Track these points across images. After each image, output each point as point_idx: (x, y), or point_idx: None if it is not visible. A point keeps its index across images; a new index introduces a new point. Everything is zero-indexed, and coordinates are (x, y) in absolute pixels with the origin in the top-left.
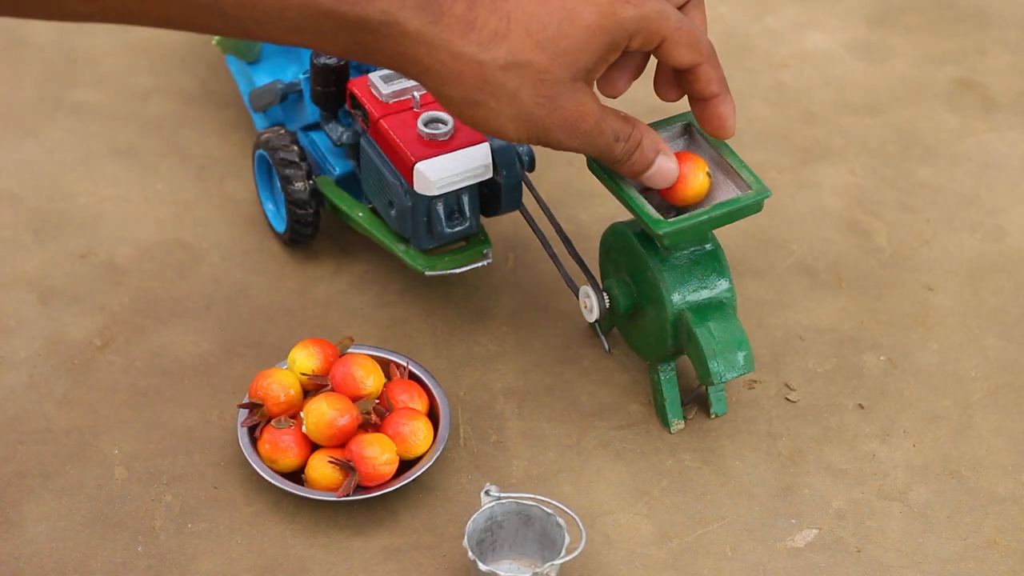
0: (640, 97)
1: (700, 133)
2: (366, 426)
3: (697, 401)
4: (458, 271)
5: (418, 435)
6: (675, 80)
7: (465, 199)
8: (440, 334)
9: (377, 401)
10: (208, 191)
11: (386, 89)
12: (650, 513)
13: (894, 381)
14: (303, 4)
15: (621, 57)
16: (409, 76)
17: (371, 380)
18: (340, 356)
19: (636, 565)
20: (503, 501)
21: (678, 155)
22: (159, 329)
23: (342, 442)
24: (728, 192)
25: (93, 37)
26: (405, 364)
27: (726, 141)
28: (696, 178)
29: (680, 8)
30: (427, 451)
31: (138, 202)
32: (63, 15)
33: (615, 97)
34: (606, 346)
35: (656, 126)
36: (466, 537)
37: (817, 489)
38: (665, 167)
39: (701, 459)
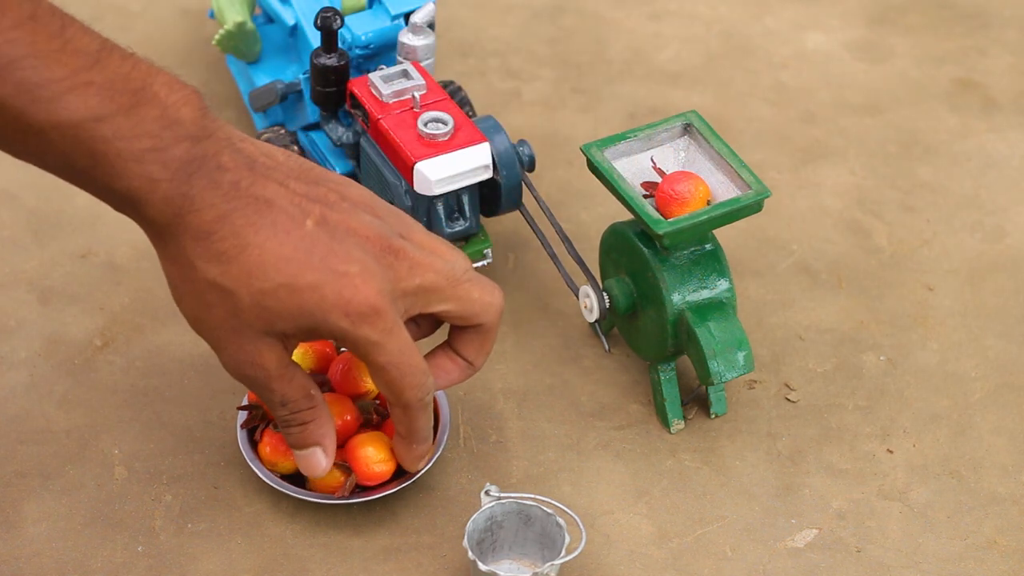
0: (640, 98)
1: (701, 133)
2: (366, 426)
3: (697, 401)
4: None
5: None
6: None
7: (465, 199)
8: (440, 334)
9: (377, 401)
10: None
11: (386, 89)
12: (650, 513)
13: (894, 381)
14: (61, 156)
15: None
16: (146, 235)
17: (370, 378)
18: (338, 354)
19: (636, 565)
20: (503, 501)
21: (681, 174)
22: (159, 329)
23: (342, 442)
24: (728, 192)
25: None
26: None
27: (726, 141)
28: (695, 199)
29: (457, 334)
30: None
31: None
32: None
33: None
34: (606, 346)
35: (656, 125)
36: (466, 537)
37: (817, 489)
38: (315, 460)
39: (701, 459)
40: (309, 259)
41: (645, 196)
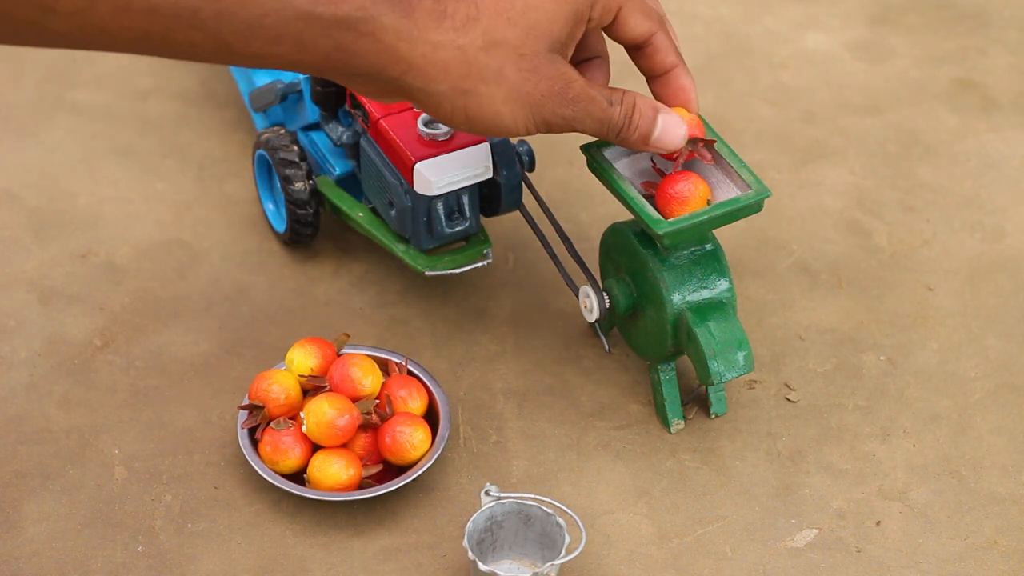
0: None
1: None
2: (366, 427)
3: (697, 401)
4: (458, 271)
5: (414, 441)
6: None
7: (465, 199)
8: (440, 334)
9: (377, 401)
10: (208, 191)
11: None
12: (650, 513)
13: (894, 381)
14: (280, 8)
15: (591, 61)
16: (392, 78)
17: (369, 380)
18: (337, 353)
19: (636, 565)
20: (503, 501)
21: (681, 174)
22: (159, 329)
23: (343, 442)
24: (728, 192)
25: None
26: (403, 362)
27: (726, 141)
28: (695, 199)
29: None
30: (424, 454)
31: (138, 202)
32: (41, 37)
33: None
34: (606, 346)
35: None
36: (466, 537)
37: (817, 489)
38: (671, 123)
39: (701, 459)
40: None
41: (645, 196)
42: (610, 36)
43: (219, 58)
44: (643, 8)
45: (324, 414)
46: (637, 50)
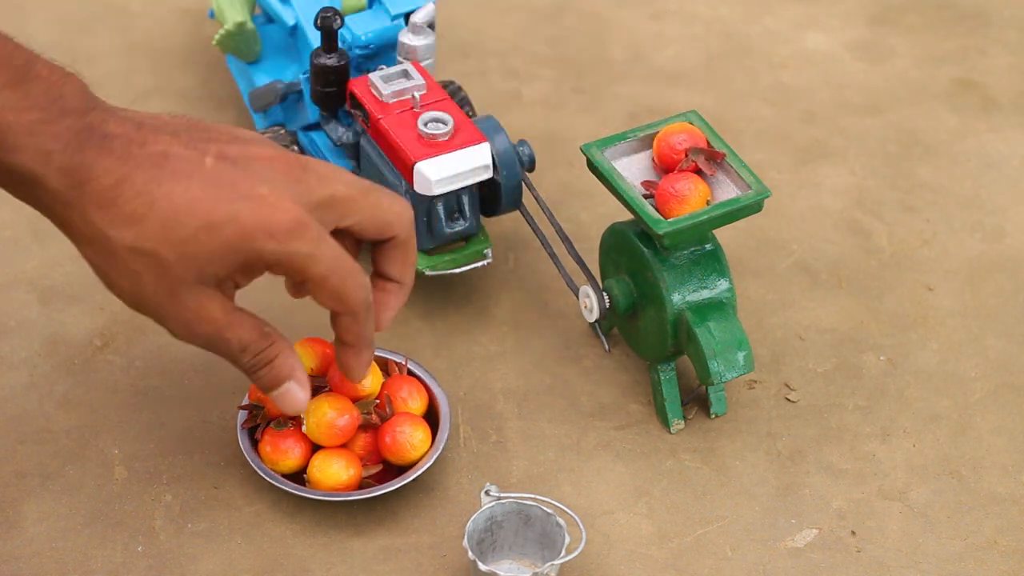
0: (640, 98)
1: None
2: (366, 427)
3: (697, 401)
4: (458, 271)
5: (414, 441)
6: (295, 286)
7: (465, 199)
8: (440, 334)
9: (377, 401)
10: None
11: (386, 89)
12: (650, 513)
13: (894, 381)
14: None
15: (388, 283)
16: (56, 225)
17: (369, 380)
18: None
19: (636, 565)
20: (503, 501)
21: (680, 174)
22: (159, 329)
23: (343, 442)
24: (728, 192)
25: (93, 37)
26: (404, 361)
27: (726, 141)
28: (694, 198)
29: (379, 278)
30: (424, 454)
31: None
32: None
33: (296, 298)
34: (606, 346)
35: (656, 125)
36: (466, 537)
37: (817, 489)
38: (293, 395)
39: (701, 459)
40: (218, 194)
41: (645, 196)
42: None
43: None
44: (333, 291)
45: (324, 415)
46: (331, 314)
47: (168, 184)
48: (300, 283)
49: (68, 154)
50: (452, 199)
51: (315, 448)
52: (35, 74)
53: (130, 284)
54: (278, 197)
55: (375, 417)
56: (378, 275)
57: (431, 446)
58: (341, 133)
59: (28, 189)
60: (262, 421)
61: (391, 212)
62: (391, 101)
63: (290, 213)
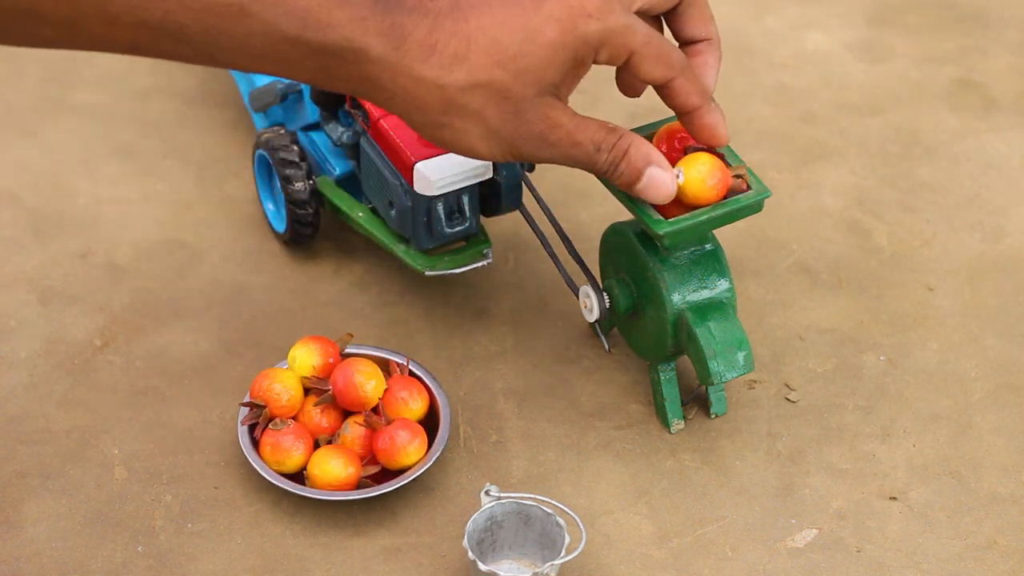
0: (640, 98)
1: None
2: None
3: (697, 401)
4: (458, 271)
5: (408, 448)
6: (629, 81)
7: (465, 199)
8: (440, 334)
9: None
10: (208, 191)
11: None
12: (650, 513)
13: (894, 381)
14: (267, 32)
15: (697, 44)
16: (375, 102)
17: (372, 385)
18: (340, 353)
19: (636, 565)
20: (503, 501)
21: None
22: (159, 329)
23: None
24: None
25: None
26: (405, 362)
27: None
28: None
29: (687, 44)
30: (419, 460)
31: (138, 202)
32: (31, 41)
33: (635, 97)
34: (606, 346)
35: (656, 125)
36: (466, 537)
37: (817, 489)
38: (658, 179)
39: (701, 459)
40: (522, 5)
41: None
42: (627, 77)
43: (206, 64)
44: (659, 54)
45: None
46: (659, 90)
47: (474, 17)
48: (624, 63)
49: (378, 18)
50: (452, 199)
51: (315, 448)
52: None
53: (477, 124)
54: None
55: (371, 419)
56: (683, 43)
57: (428, 450)
58: (341, 133)
59: (351, 64)
60: (262, 421)
61: None
62: None
63: None
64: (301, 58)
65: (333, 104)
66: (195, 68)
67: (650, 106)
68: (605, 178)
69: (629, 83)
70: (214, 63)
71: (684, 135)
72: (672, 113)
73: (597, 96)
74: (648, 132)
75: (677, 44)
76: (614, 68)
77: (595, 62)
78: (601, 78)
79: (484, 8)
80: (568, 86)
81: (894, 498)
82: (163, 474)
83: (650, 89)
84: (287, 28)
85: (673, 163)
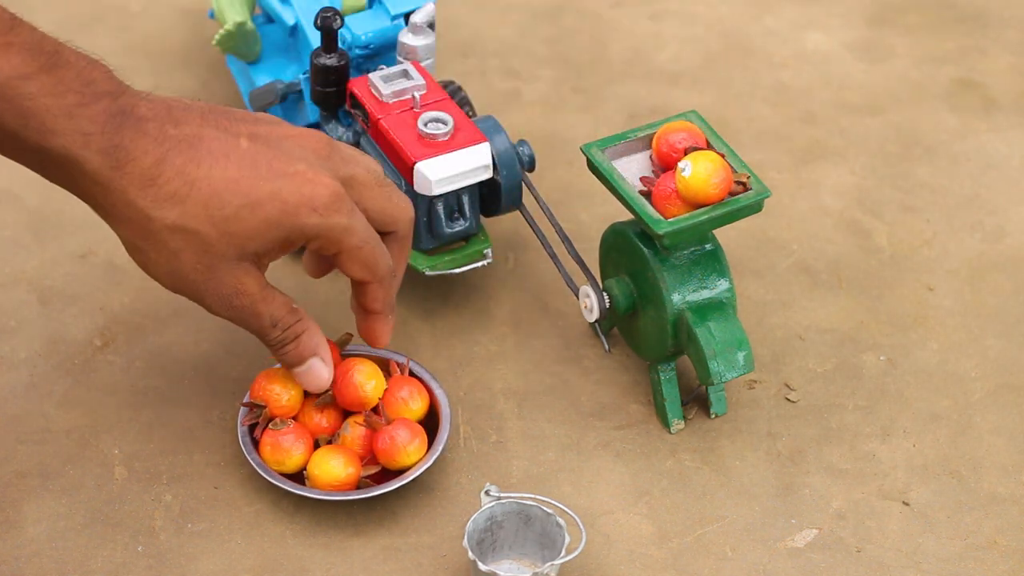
0: (640, 98)
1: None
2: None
3: (697, 401)
4: (458, 271)
5: (408, 448)
6: (324, 265)
7: (465, 199)
8: (440, 334)
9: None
10: None
11: (386, 89)
12: (650, 513)
13: (894, 381)
14: None
15: (387, 236)
16: (94, 210)
17: (372, 385)
18: (340, 353)
19: (636, 565)
20: (503, 501)
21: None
22: (159, 329)
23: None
24: None
25: (93, 37)
26: (405, 362)
27: (726, 141)
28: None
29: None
30: (419, 460)
31: None
32: None
33: (315, 278)
34: (606, 346)
35: (656, 125)
36: (466, 537)
37: (817, 489)
38: (316, 371)
39: (701, 459)
40: (257, 172)
41: (642, 192)
42: (324, 264)
43: None
44: (365, 260)
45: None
46: (353, 286)
47: (206, 164)
48: (332, 255)
49: (107, 136)
50: (452, 199)
51: (315, 447)
52: (65, 60)
53: (168, 262)
54: (315, 173)
55: (371, 419)
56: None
57: (428, 450)
58: (341, 133)
59: (66, 172)
60: (262, 421)
61: (398, 208)
62: (391, 101)
63: (329, 188)
64: (18, 152)
65: (333, 104)
66: (195, 68)
67: (650, 106)
68: (272, 351)
69: (321, 267)
70: None
71: (683, 135)
72: (670, 115)
73: (597, 95)
74: (648, 132)
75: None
76: (615, 70)
77: (303, 245)
78: (602, 78)
79: (221, 160)
80: (271, 257)
81: (907, 503)
82: (163, 474)
83: (652, 88)
84: (8, 123)
85: (673, 162)
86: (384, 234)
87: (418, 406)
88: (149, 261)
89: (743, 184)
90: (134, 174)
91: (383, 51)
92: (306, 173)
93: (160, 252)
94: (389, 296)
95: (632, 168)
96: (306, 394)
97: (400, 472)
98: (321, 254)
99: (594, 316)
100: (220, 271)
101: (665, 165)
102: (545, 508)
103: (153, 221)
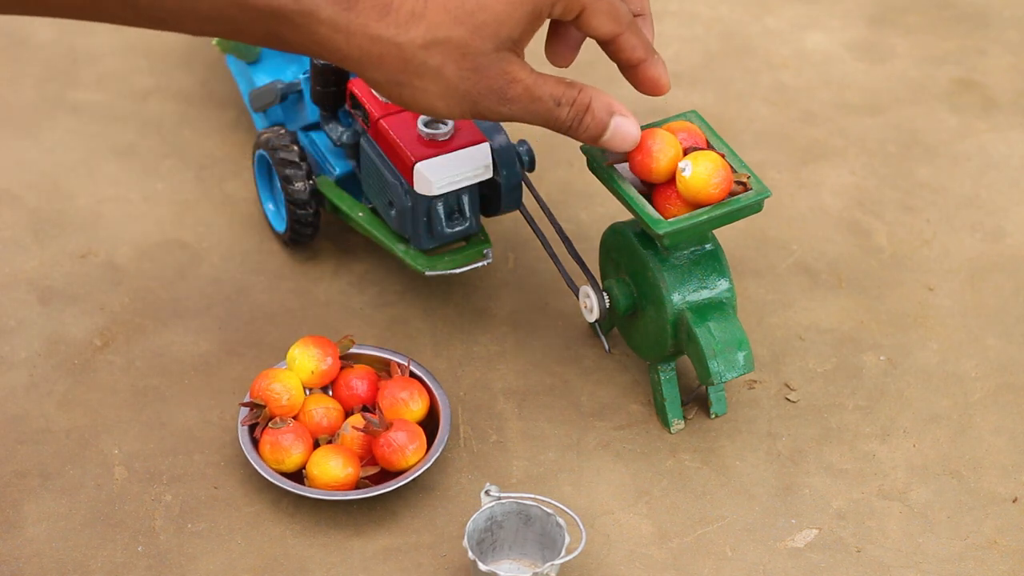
0: (640, 98)
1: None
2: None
3: (697, 401)
4: (458, 271)
5: (407, 451)
6: (570, 44)
7: (465, 199)
8: (440, 334)
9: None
10: (208, 191)
11: None
12: (650, 513)
13: (894, 381)
14: None
15: (561, 30)
16: (330, 62)
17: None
18: (340, 356)
19: (636, 565)
20: (503, 501)
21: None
22: (159, 329)
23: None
24: None
25: (93, 37)
26: (406, 363)
27: (726, 141)
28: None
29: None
30: (418, 461)
31: (138, 202)
32: None
33: (564, 67)
34: (606, 346)
35: (656, 125)
36: (466, 537)
37: (817, 489)
38: (623, 128)
39: (701, 459)
40: None
41: (643, 193)
42: (570, 35)
43: (153, 28)
44: (608, 9)
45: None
46: (605, 45)
47: None
48: (576, 18)
49: None
50: (452, 199)
51: (315, 445)
52: None
53: (435, 83)
54: None
55: (369, 427)
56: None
57: (427, 451)
58: (341, 133)
59: (303, 28)
60: (262, 420)
61: None
62: None
63: None
64: (250, 21)
65: (333, 104)
66: (195, 68)
67: (651, 106)
68: (570, 134)
69: (567, 44)
70: (162, 26)
71: (684, 135)
72: (670, 115)
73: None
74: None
75: None
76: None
77: (549, 16)
78: (602, 78)
79: None
80: (525, 40)
81: (907, 504)
82: (163, 474)
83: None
84: None
85: (674, 163)
86: None
87: (418, 407)
88: (417, 91)
89: (743, 184)
90: (367, 7)
91: None
92: None
93: (423, 77)
94: (645, 39)
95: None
96: (307, 392)
97: (400, 472)
98: (565, 21)
99: (594, 316)
100: (486, 69)
101: None
102: (545, 508)
103: (404, 47)
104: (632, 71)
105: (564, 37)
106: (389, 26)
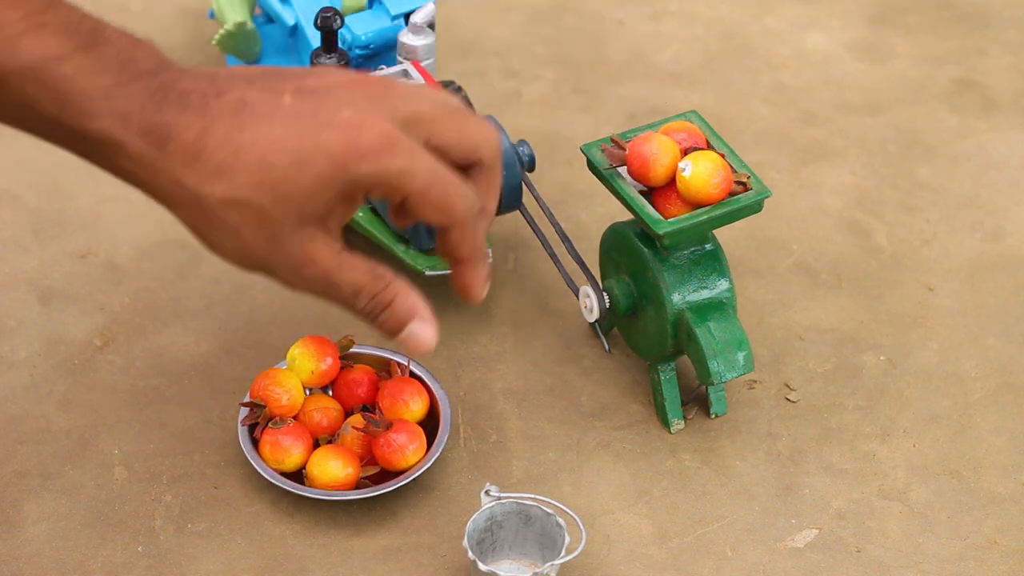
0: (640, 98)
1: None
2: (366, 432)
3: (697, 401)
4: None
5: (406, 451)
6: (407, 213)
7: None
8: (440, 334)
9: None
10: None
11: None
12: (650, 513)
13: (894, 381)
14: (26, 103)
15: (470, 169)
16: (146, 194)
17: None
18: (340, 356)
19: (636, 565)
20: (503, 501)
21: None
22: (159, 329)
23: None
24: None
25: None
26: (406, 363)
27: (726, 141)
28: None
29: (467, 169)
30: (418, 462)
31: (138, 202)
32: None
33: (403, 228)
34: (606, 346)
35: (656, 125)
36: (466, 537)
37: (817, 489)
38: (417, 335)
39: (701, 459)
40: (301, 127)
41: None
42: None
43: None
44: (439, 202)
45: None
46: (436, 233)
47: (250, 129)
48: (401, 204)
49: (146, 115)
50: None
51: (315, 445)
52: (104, 39)
53: (231, 240)
54: (362, 118)
55: (368, 430)
56: None
57: (427, 451)
58: None
59: (110, 158)
60: (262, 420)
61: (476, 135)
62: None
63: (376, 129)
64: (59, 139)
65: None
66: None
67: (650, 106)
68: (367, 322)
69: (404, 212)
70: None
71: (684, 136)
72: (670, 115)
73: (597, 95)
74: (647, 132)
75: None
76: (615, 70)
77: (367, 198)
78: (602, 78)
79: (265, 121)
80: (336, 217)
81: (907, 503)
82: (163, 474)
83: (652, 88)
84: (45, 107)
85: (672, 167)
86: (468, 168)
87: (418, 407)
88: (213, 242)
89: (743, 184)
90: (178, 152)
91: (383, 51)
92: (351, 119)
93: (220, 231)
94: (473, 239)
95: None
96: (307, 392)
97: (400, 472)
98: (391, 202)
99: (594, 316)
100: (284, 240)
101: None
102: (545, 508)
103: (204, 199)
104: (452, 264)
105: (400, 207)
106: (192, 175)
